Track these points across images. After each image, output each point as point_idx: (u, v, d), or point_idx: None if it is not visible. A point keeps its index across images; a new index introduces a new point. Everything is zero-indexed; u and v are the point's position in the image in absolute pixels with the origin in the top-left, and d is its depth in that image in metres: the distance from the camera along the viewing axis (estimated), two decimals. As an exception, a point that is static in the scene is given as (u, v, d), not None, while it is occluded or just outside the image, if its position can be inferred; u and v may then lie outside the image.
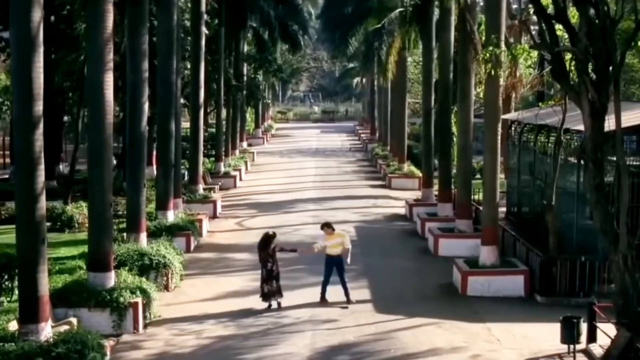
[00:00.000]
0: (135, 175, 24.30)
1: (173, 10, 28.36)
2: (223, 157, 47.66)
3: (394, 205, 39.26)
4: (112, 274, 19.92)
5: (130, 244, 23.41)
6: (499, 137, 24.26)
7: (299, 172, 53.03)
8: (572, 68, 18.69)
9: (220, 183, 43.22)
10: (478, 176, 36.65)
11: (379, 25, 45.36)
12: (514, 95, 28.43)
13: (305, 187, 45.20)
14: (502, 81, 23.62)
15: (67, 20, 43.53)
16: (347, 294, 21.78)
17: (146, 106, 24.42)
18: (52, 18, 43.90)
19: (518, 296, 22.83)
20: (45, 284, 15.91)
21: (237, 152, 55.60)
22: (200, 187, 37.13)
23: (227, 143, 51.18)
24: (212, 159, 48.33)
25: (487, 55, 21.71)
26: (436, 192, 34.58)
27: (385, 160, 51.87)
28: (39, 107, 15.34)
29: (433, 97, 36.61)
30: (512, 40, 24.54)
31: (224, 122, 49.78)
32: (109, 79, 19.35)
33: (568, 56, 18.86)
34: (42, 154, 15.64)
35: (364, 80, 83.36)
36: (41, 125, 15.48)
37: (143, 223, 24.54)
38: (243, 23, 47.92)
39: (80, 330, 16.12)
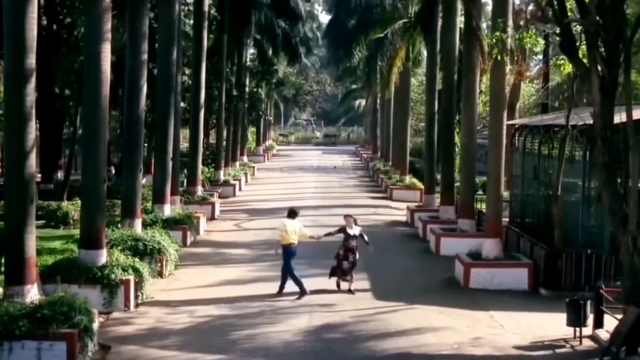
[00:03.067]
0: (131, 160, 23.78)
1: (174, 0, 27.90)
2: (223, 166, 47.14)
3: (395, 213, 38.69)
4: (104, 251, 19.36)
5: (124, 229, 22.86)
6: (504, 129, 23.80)
7: (299, 185, 52.49)
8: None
9: (219, 191, 42.51)
10: (480, 192, 36.11)
11: (382, 35, 44.98)
12: (520, 85, 27.92)
13: (305, 197, 44.54)
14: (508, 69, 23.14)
15: (69, 28, 43.51)
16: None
17: (144, 89, 23.95)
18: (55, 26, 43.99)
19: (522, 290, 22.17)
20: (32, 246, 15.33)
21: (237, 164, 55.09)
22: (199, 188, 36.59)
23: (228, 154, 50.72)
24: (212, 169, 47.84)
25: (494, 40, 21.29)
26: (438, 199, 34.00)
27: (387, 174, 51.32)
28: (31, 60, 14.81)
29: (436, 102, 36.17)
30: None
31: (224, 133, 49.25)
32: (106, 49, 18.84)
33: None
34: (33, 110, 15.09)
35: (368, 100, 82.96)
36: (33, 80, 14.93)
37: (138, 209, 24.00)
38: (246, 23, 47.38)
39: (68, 295, 15.47)
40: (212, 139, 60.44)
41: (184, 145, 47.19)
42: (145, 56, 23.69)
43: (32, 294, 15.28)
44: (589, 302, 17.32)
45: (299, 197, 44.31)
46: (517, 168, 31.23)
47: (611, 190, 17.14)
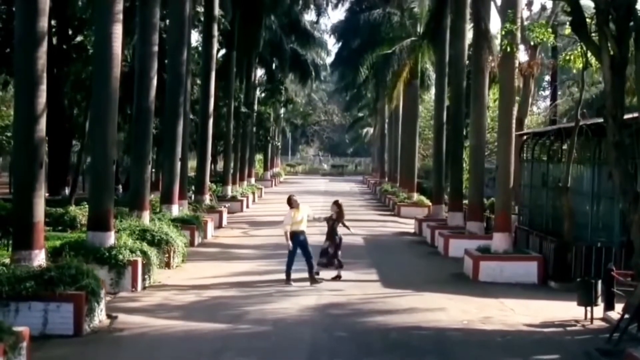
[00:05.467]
0: (139, 151, 23.80)
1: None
2: (231, 182, 47.05)
3: (403, 227, 38.52)
4: (112, 234, 19.29)
5: (132, 220, 22.77)
6: (514, 123, 23.77)
7: (308, 204, 52.23)
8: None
9: (227, 205, 42.29)
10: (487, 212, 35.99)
11: (390, 52, 45.09)
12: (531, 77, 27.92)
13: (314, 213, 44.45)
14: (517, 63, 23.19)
15: (78, 48, 43.82)
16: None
17: (154, 81, 24.00)
18: (65, 46, 44.30)
19: (531, 283, 21.93)
20: (40, 210, 15.26)
21: (244, 184, 55.01)
22: (207, 197, 36.51)
23: (235, 173, 50.69)
24: (220, 186, 47.71)
25: (504, 32, 21.36)
26: (446, 211, 33.87)
27: (394, 194, 51.11)
28: (43, 23, 14.84)
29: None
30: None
31: (231, 153, 49.17)
32: (118, 31, 18.89)
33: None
34: (44, 74, 15.06)
35: (375, 128, 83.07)
36: (44, 44, 14.94)
37: (146, 200, 23.98)
38: (255, 39, 47.43)
39: (75, 261, 15.39)
40: (219, 168, 60.50)
41: (191, 174, 47.20)
42: (155, 47, 23.80)
43: (40, 258, 15.20)
44: (600, 281, 17.18)
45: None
46: (526, 178, 31.10)
47: (622, 170, 17.05)
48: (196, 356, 13.19)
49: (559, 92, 52.13)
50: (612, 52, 16.78)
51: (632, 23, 16.72)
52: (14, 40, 15.34)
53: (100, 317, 15.17)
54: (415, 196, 46.59)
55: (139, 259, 18.86)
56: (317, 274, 21.04)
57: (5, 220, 19.31)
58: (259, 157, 79.06)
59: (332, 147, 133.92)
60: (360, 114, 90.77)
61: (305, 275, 20.71)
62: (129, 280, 18.53)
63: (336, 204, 22.41)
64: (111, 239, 19.10)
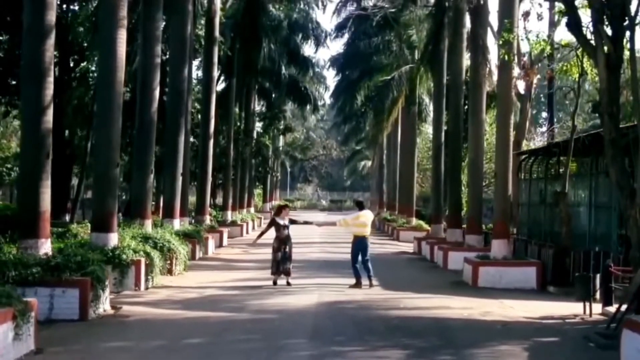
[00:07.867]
0: (142, 160, 24.02)
1: (187, 18, 28.43)
2: (230, 207, 47.24)
3: (402, 248, 38.73)
4: (116, 235, 19.44)
5: (134, 228, 22.92)
6: (511, 131, 24.08)
7: (307, 230, 52.27)
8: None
9: (227, 230, 42.46)
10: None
11: (389, 78, 45.48)
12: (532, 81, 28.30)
13: (313, 236, 44.85)
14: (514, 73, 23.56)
15: (80, 78, 44.21)
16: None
17: (157, 92, 24.34)
18: (66, 77, 44.66)
19: (530, 288, 22.09)
20: (47, 200, 15.50)
21: (244, 211, 55.18)
22: (207, 217, 36.69)
23: (235, 200, 50.85)
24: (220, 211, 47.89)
25: (502, 41, 21.76)
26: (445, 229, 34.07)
27: (393, 222, 51.26)
28: (51, 17, 15.20)
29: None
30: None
31: (231, 173, 49.39)
32: (122, 35, 19.20)
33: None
34: (52, 66, 15.43)
35: (374, 160, 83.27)
36: (52, 35, 15.28)
37: (148, 209, 24.16)
38: (254, 67, 47.84)
39: (80, 250, 15.62)
40: (218, 202, 60.71)
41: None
42: (157, 59, 24.16)
43: (46, 247, 15.41)
44: (598, 275, 17.40)
45: (307, 236, 44.47)
46: (524, 197, 31.39)
47: (618, 167, 17.32)
48: (201, 335, 13.46)
49: (556, 126, 52.49)
50: (607, 51, 17.15)
51: (626, 22, 17.13)
52: (22, 32, 15.67)
53: (105, 306, 15.39)
54: (414, 221, 46.82)
55: (142, 259, 19.08)
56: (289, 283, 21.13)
57: (10, 219, 19.51)
58: (258, 191, 79.26)
59: (329, 185, 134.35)
60: (358, 147, 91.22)
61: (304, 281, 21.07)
62: (132, 279, 18.71)
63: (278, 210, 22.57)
64: (114, 240, 19.26)
